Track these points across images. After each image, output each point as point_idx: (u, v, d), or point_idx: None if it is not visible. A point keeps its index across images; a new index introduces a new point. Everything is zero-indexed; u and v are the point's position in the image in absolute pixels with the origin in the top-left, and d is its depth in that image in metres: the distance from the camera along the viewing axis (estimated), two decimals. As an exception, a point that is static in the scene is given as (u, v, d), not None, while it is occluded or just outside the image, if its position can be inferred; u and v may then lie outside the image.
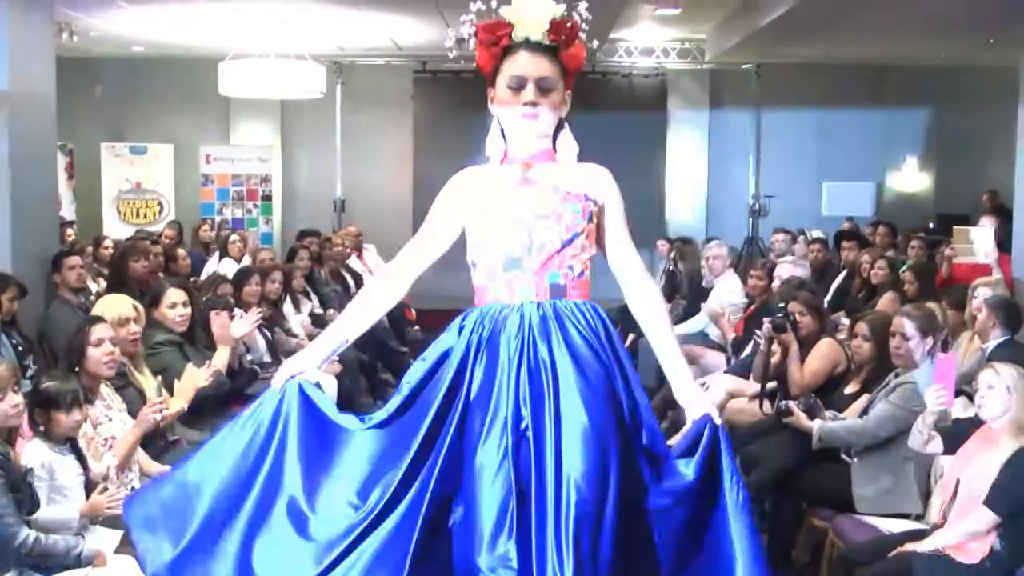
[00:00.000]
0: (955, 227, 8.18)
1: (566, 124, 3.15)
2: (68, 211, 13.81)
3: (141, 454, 4.75)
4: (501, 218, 3.00)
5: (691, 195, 15.91)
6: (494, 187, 3.06)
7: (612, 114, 14.46)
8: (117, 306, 5.17)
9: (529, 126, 3.04)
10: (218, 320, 5.90)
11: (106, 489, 4.12)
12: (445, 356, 2.98)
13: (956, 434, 4.43)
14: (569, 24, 3.04)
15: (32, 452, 4.04)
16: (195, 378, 5.19)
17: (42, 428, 4.12)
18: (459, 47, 3.29)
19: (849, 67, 15.37)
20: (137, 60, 15.00)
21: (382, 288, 3.24)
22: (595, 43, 3.20)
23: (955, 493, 4.23)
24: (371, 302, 3.22)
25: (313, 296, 9.25)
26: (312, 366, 3.10)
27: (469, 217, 3.07)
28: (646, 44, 14.87)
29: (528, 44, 3.02)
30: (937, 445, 4.46)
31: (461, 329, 3.00)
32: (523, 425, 2.80)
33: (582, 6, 3.11)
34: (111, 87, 15.31)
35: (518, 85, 3.02)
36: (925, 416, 4.45)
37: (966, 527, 4.07)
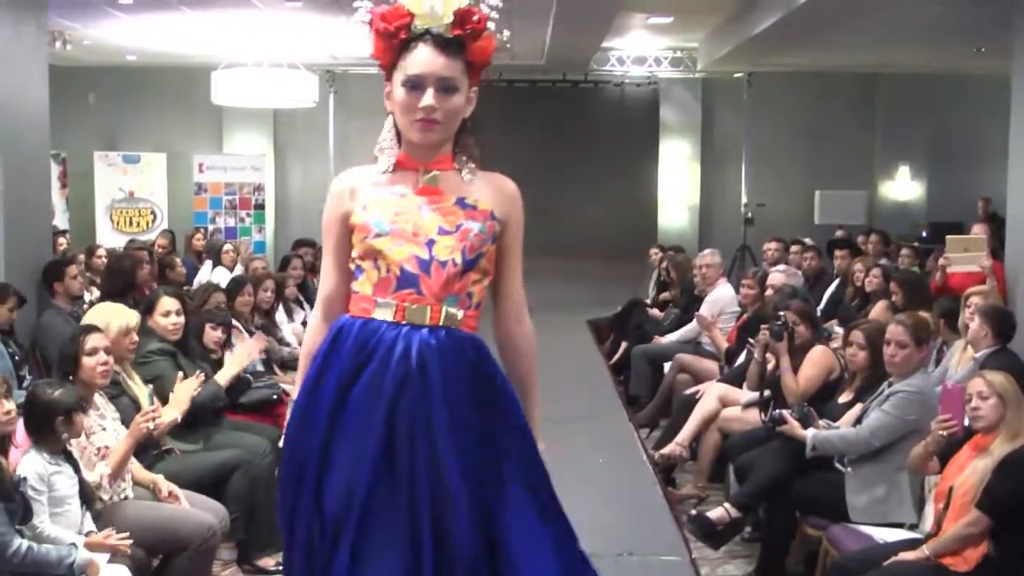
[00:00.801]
0: (948, 236, 8.19)
1: (469, 126, 2.80)
2: (61, 220, 13.80)
3: (133, 463, 4.74)
4: (399, 226, 2.69)
5: (683, 203, 15.95)
6: (388, 190, 2.75)
7: (604, 123, 14.48)
8: (122, 315, 5.16)
9: (427, 136, 2.70)
10: (244, 346, 5.82)
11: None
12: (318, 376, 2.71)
13: (948, 443, 4.45)
14: (476, 16, 2.67)
15: (30, 464, 4.02)
16: (188, 388, 5.19)
17: (39, 438, 4.11)
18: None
19: (840, 75, 15.43)
20: (130, 69, 15.02)
21: (320, 329, 2.84)
22: (505, 33, 2.85)
23: (948, 502, 4.24)
24: (316, 346, 2.81)
25: (306, 305, 9.24)
26: None
27: (357, 217, 2.74)
28: (638, 53, 14.91)
29: (429, 37, 2.66)
30: (935, 466, 4.49)
31: (327, 348, 2.72)
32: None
33: None
34: (105, 96, 15.33)
35: (416, 85, 2.66)
36: (927, 443, 4.47)
37: (958, 531, 4.08)
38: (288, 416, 2.79)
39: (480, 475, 2.62)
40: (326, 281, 2.88)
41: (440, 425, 2.60)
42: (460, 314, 2.68)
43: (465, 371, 2.66)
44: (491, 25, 2.71)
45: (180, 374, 5.27)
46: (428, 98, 2.64)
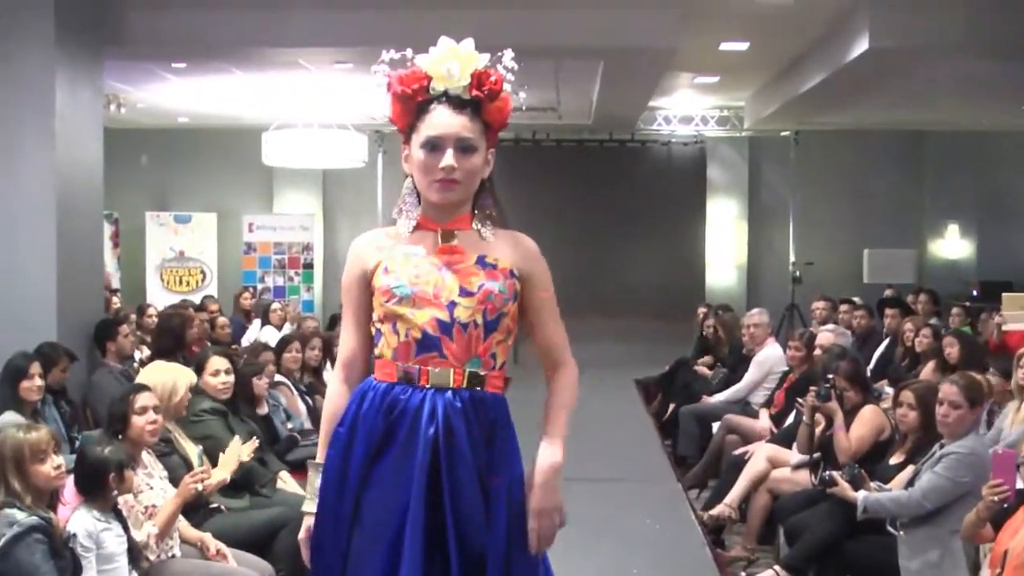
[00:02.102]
0: (1005, 294, 8.11)
1: (488, 186, 2.79)
2: (113, 279, 13.98)
3: (181, 521, 4.75)
4: (419, 288, 2.68)
5: (731, 262, 15.90)
6: (408, 252, 2.74)
7: (652, 182, 14.51)
8: (184, 375, 5.25)
9: (447, 196, 2.70)
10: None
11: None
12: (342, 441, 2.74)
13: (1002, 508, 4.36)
14: (493, 77, 2.69)
15: (79, 521, 4.05)
16: (239, 451, 5.21)
17: (89, 496, 4.14)
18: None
19: (887, 133, 15.40)
20: (182, 130, 15.28)
21: (340, 391, 2.86)
22: (521, 95, 2.85)
23: (1003, 566, 4.15)
24: (337, 409, 2.83)
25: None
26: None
27: (379, 280, 2.72)
28: (685, 112, 14.96)
29: (447, 98, 2.69)
30: (989, 533, 4.40)
31: (354, 414, 2.73)
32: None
33: (507, 55, 2.74)
34: (157, 157, 15.59)
35: (435, 146, 2.66)
36: (979, 510, 4.39)
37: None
38: (319, 483, 2.79)
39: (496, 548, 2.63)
40: (346, 343, 2.88)
41: (468, 491, 2.62)
42: (484, 375, 2.68)
43: (488, 433, 2.68)
44: (507, 86, 2.73)
45: (236, 438, 5.29)
46: (448, 158, 2.65)
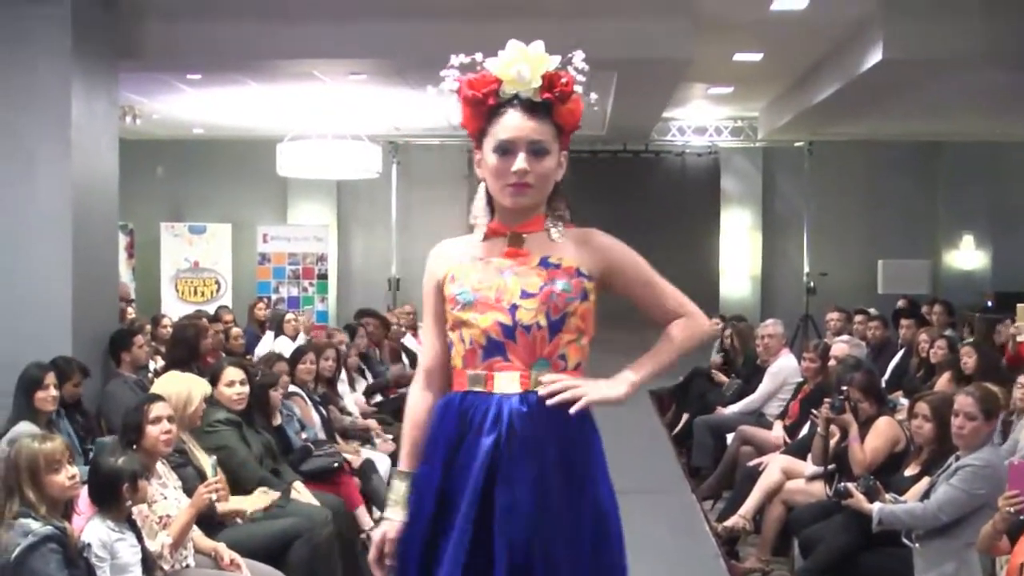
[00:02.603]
0: (1020, 304, 8.08)
1: (560, 188, 2.76)
2: (129, 290, 14.02)
3: (195, 531, 4.76)
4: (482, 294, 2.67)
5: (745, 273, 15.89)
6: (475, 258, 2.74)
7: (665, 193, 14.51)
8: (200, 385, 5.27)
9: (520, 200, 2.68)
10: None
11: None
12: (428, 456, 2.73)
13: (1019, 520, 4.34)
14: (564, 79, 2.67)
15: (94, 531, 4.06)
16: (267, 500, 5.26)
17: (103, 506, 4.15)
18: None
19: (902, 143, 15.37)
20: (197, 142, 15.34)
21: (421, 397, 2.86)
22: (592, 96, 2.82)
23: (1021, 578, 4.13)
24: (417, 415, 2.84)
25: (368, 374, 9.29)
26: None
27: (448, 288, 2.73)
28: (699, 123, 14.97)
29: (518, 101, 2.66)
30: (1006, 545, 4.38)
31: (435, 428, 2.74)
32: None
33: (578, 57, 2.71)
34: (171, 168, 15.66)
35: (507, 150, 2.63)
36: (996, 522, 4.36)
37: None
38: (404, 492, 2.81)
39: (556, 554, 2.58)
40: (425, 350, 2.89)
41: (524, 497, 2.59)
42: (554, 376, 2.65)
43: (557, 437, 2.63)
44: (579, 88, 2.70)
45: (266, 491, 5.31)
46: (520, 162, 2.62)
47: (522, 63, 2.65)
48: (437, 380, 2.82)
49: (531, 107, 2.65)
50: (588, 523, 2.64)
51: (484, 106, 2.68)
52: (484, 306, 2.66)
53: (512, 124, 2.64)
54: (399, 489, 2.80)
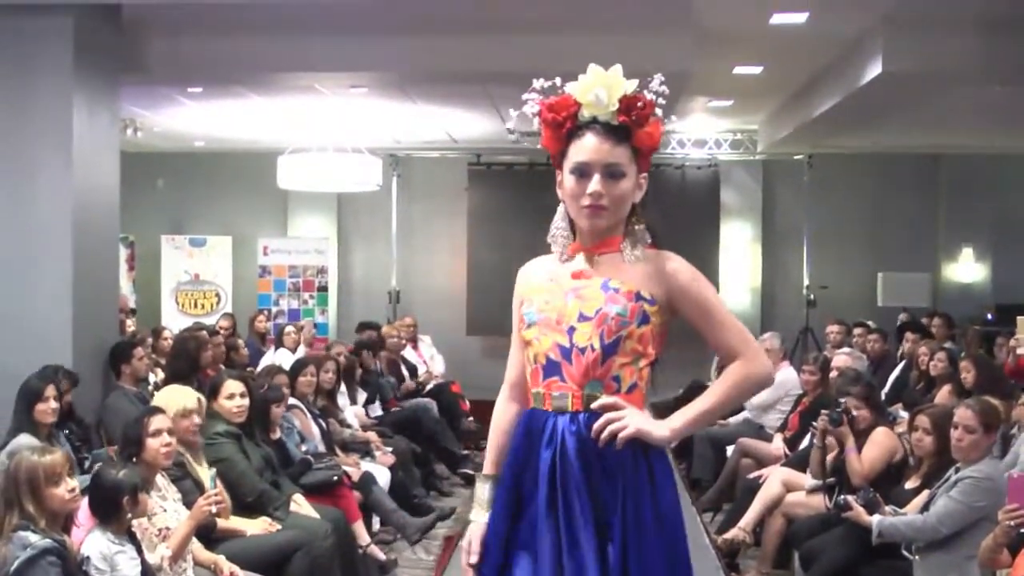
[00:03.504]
0: (1020, 317, 8.07)
1: (639, 211, 2.84)
2: (129, 302, 14.02)
3: (194, 543, 4.77)
4: (545, 315, 2.76)
5: (745, 286, 15.86)
6: (546, 280, 2.83)
7: (665, 205, 14.46)
8: (181, 398, 5.23)
9: (596, 222, 2.75)
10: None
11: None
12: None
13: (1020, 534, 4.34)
14: (641, 103, 2.71)
15: (94, 544, 4.06)
16: (264, 527, 5.27)
17: (104, 518, 4.15)
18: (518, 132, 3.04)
19: (902, 156, 15.36)
20: (198, 154, 15.35)
21: (506, 407, 3.01)
22: (672, 118, 2.93)
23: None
24: (500, 422, 3.00)
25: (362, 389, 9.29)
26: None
27: (522, 308, 2.85)
28: (699, 135, 14.98)
29: (596, 124, 2.71)
30: (1007, 559, 4.37)
31: (513, 444, 2.87)
32: None
33: (656, 80, 2.76)
34: (172, 180, 15.66)
35: (583, 172, 2.70)
36: (996, 535, 4.36)
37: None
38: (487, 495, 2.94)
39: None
40: (510, 364, 3.00)
41: (576, 513, 2.67)
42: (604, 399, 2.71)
43: (607, 454, 2.68)
44: (658, 111, 2.75)
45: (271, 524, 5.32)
46: (595, 184, 2.69)
47: (600, 87, 2.70)
48: (519, 393, 2.95)
49: (609, 130, 2.71)
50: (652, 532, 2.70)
51: (563, 129, 2.75)
52: (546, 327, 2.76)
53: (588, 147, 2.71)
54: (482, 491, 2.95)
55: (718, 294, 2.90)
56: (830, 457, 6.12)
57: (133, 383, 7.37)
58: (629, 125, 2.71)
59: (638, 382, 2.77)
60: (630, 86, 2.71)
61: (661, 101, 2.75)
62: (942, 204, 15.79)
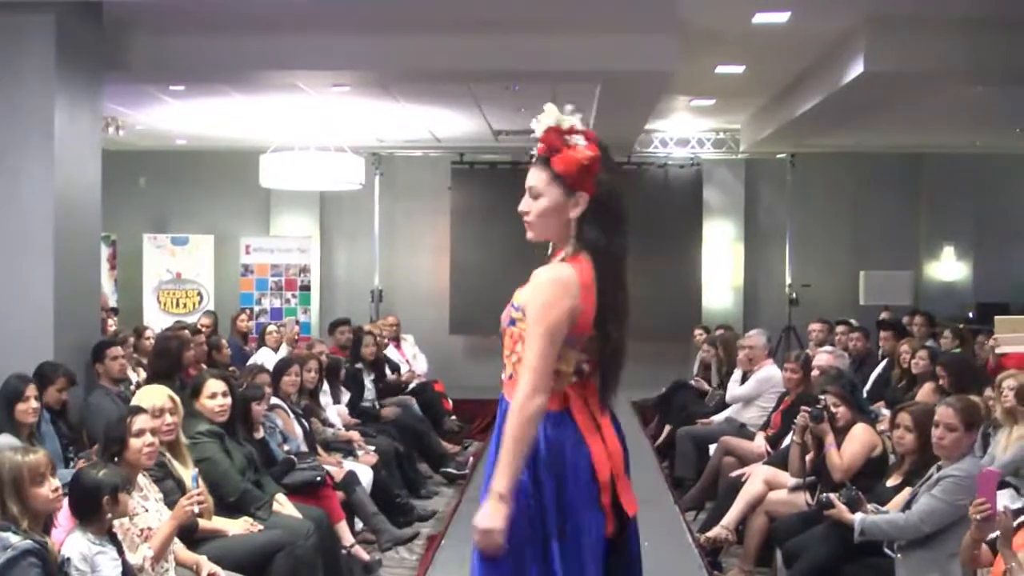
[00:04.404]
0: (997, 316, 8.10)
1: (584, 228, 3.21)
2: (109, 300, 13.97)
3: (176, 543, 4.75)
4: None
5: (728, 284, 15.90)
6: None
7: (648, 204, 14.52)
8: (152, 397, 5.18)
9: (528, 235, 3.22)
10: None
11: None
12: None
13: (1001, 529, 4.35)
14: (555, 133, 3.15)
15: (74, 545, 4.04)
16: (243, 526, 5.26)
17: (84, 519, 4.13)
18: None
19: (884, 156, 15.43)
20: (180, 153, 15.30)
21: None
22: (568, 107, 3.23)
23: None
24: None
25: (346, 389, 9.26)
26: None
27: None
28: (682, 135, 15.00)
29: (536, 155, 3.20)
30: (988, 556, 4.39)
31: None
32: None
33: (567, 109, 3.18)
34: (154, 179, 15.60)
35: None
36: (972, 531, 4.37)
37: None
38: None
39: None
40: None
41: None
42: (503, 380, 3.22)
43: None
44: (578, 139, 3.14)
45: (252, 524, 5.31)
46: (522, 203, 3.20)
47: (535, 122, 3.19)
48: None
49: (537, 159, 3.20)
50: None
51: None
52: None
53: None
54: None
55: (551, 317, 3.05)
56: (808, 457, 6.13)
57: (111, 383, 7.31)
58: (546, 154, 3.15)
59: (514, 372, 3.12)
60: (553, 120, 3.15)
61: (579, 126, 3.16)
62: (924, 203, 15.86)
